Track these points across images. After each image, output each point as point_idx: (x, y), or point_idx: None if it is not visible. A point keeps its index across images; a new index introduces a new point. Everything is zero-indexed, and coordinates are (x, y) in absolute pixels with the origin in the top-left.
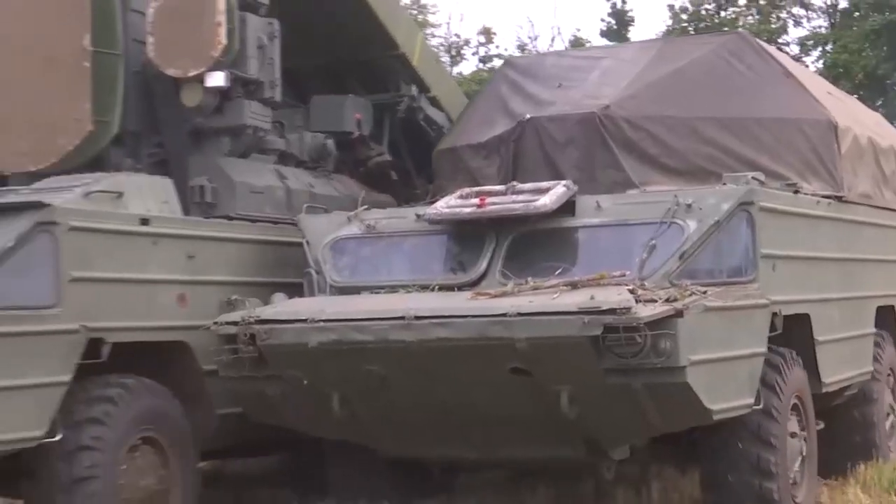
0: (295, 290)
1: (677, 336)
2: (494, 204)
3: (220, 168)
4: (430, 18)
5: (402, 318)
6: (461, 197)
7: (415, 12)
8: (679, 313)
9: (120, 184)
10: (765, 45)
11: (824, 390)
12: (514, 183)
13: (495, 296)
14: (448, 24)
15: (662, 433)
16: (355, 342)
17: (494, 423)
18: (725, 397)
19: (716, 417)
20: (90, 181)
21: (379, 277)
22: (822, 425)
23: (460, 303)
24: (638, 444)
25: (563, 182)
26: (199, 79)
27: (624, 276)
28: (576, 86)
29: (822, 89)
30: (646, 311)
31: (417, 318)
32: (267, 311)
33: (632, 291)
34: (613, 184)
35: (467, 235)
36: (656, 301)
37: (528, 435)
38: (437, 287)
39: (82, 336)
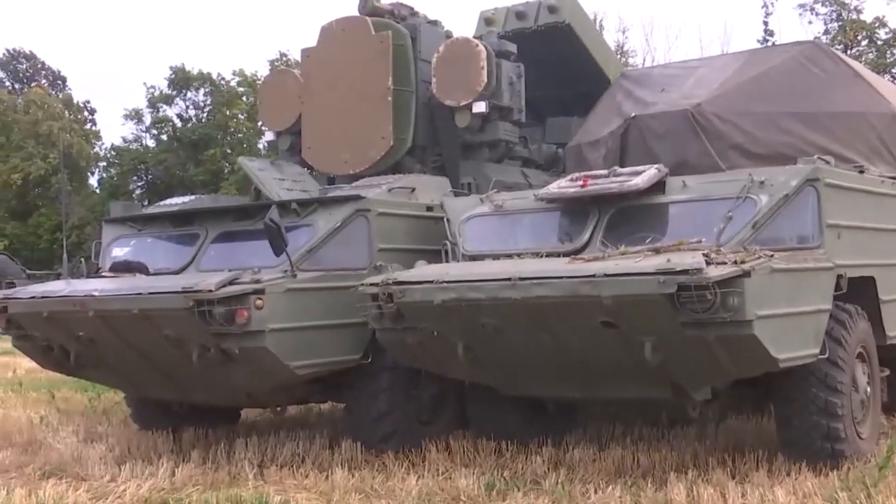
0: None
1: (744, 293)
2: (596, 184)
3: (482, 170)
4: (630, 61)
5: (509, 279)
6: (570, 180)
7: (619, 56)
8: (746, 273)
9: (412, 182)
10: (837, 52)
11: (888, 342)
12: (616, 167)
13: (588, 260)
14: (643, 64)
15: (738, 378)
16: (471, 299)
17: (592, 367)
18: (792, 347)
19: (782, 365)
20: (392, 181)
21: (502, 247)
22: (887, 372)
23: (559, 266)
24: (718, 387)
25: (656, 165)
26: (468, 107)
27: (700, 242)
28: (675, 90)
29: (888, 89)
30: (715, 272)
31: (521, 279)
32: (402, 275)
33: (705, 255)
34: (703, 168)
35: (574, 211)
36: (726, 263)
37: (620, 378)
38: (545, 254)
39: None
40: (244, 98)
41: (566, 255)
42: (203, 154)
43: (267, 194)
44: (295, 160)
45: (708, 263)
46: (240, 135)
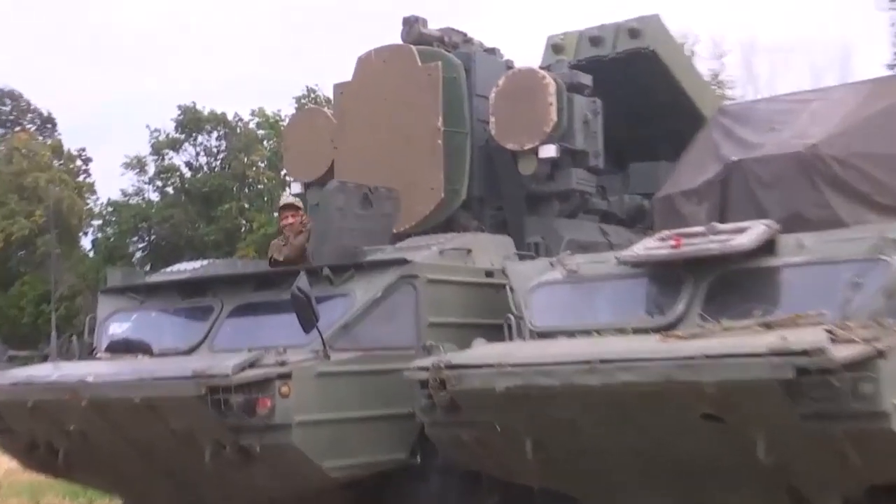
0: None
1: (879, 379)
2: (691, 245)
3: (552, 227)
4: (728, 93)
5: (588, 361)
6: (660, 239)
7: (715, 87)
8: (881, 354)
9: (468, 242)
10: None
11: None
12: (715, 224)
13: (685, 338)
14: (743, 97)
15: (874, 484)
16: (541, 387)
17: (689, 470)
18: None
19: None
20: (443, 241)
21: (577, 322)
22: None
23: (648, 346)
24: (850, 496)
25: (764, 221)
26: (534, 151)
27: (822, 315)
28: (785, 127)
29: None
30: (842, 353)
31: (603, 361)
32: (457, 357)
33: (828, 331)
34: (821, 223)
35: (665, 278)
36: (856, 341)
37: (725, 483)
38: (631, 331)
39: None
40: (265, 143)
41: (657, 331)
42: (216, 209)
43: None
44: None
45: (833, 342)
46: (260, 186)
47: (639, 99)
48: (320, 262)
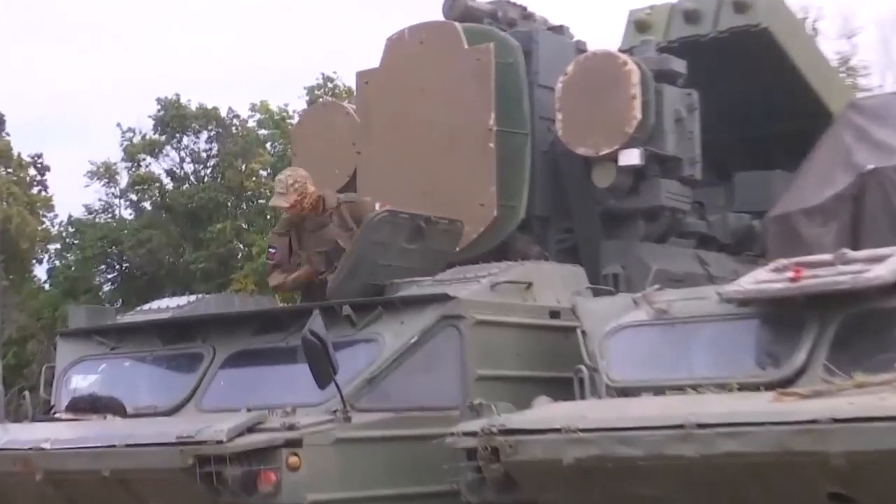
0: None
1: None
2: (815, 277)
3: (635, 254)
4: (861, 81)
5: (682, 426)
6: (774, 270)
7: (845, 75)
8: None
9: (528, 274)
10: None
11: None
12: (845, 250)
13: (805, 396)
14: (881, 87)
15: None
16: (621, 458)
17: None
18: None
19: None
20: (497, 271)
21: (667, 375)
22: None
23: (759, 406)
24: None
25: None
26: (612, 157)
27: None
28: None
29: None
30: None
31: (700, 426)
32: (513, 420)
33: None
34: None
35: (782, 319)
36: None
37: None
38: (737, 387)
39: None
40: (268, 145)
41: (770, 387)
42: (206, 231)
43: None
44: None
45: None
46: (261, 201)
47: (746, 90)
48: (341, 298)
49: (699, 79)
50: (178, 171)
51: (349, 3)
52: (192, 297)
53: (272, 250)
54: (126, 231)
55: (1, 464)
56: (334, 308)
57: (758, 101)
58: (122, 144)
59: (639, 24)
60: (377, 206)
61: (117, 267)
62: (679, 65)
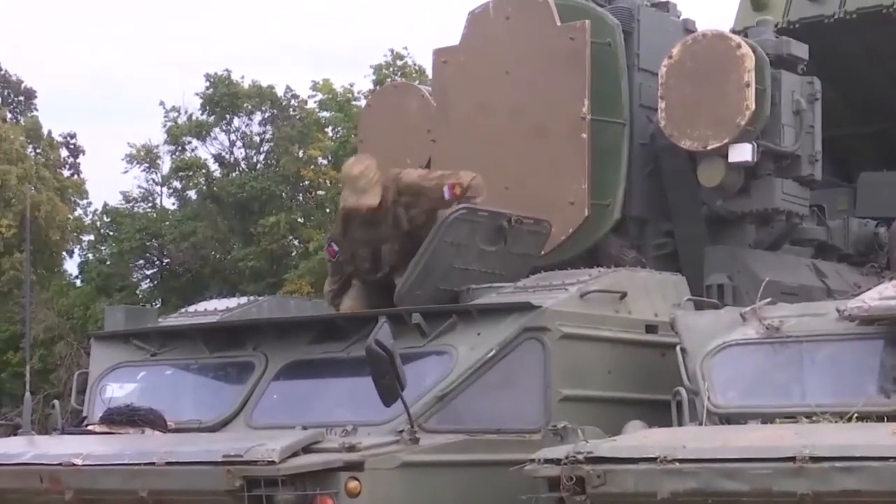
0: None
1: None
2: None
3: (745, 262)
4: None
5: (793, 459)
6: None
7: None
8: None
9: (622, 282)
10: None
11: None
12: None
13: None
14: None
15: None
16: (725, 492)
17: None
18: None
19: None
20: (587, 278)
21: (778, 401)
22: None
23: (881, 439)
24: None
25: None
26: (721, 152)
27: None
28: None
29: None
30: None
31: (814, 459)
32: (602, 446)
33: None
34: None
35: None
36: None
37: None
38: (855, 416)
39: None
40: (329, 130)
41: (893, 418)
42: (257, 224)
43: None
44: None
45: None
46: (320, 192)
47: (876, 79)
48: (410, 305)
49: (823, 65)
50: (227, 156)
51: None
52: (243, 300)
53: (333, 247)
54: (167, 223)
55: (26, 480)
56: (403, 316)
57: (889, 93)
58: (164, 125)
59: (755, 2)
60: (446, 190)
61: (157, 262)
62: (800, 49)
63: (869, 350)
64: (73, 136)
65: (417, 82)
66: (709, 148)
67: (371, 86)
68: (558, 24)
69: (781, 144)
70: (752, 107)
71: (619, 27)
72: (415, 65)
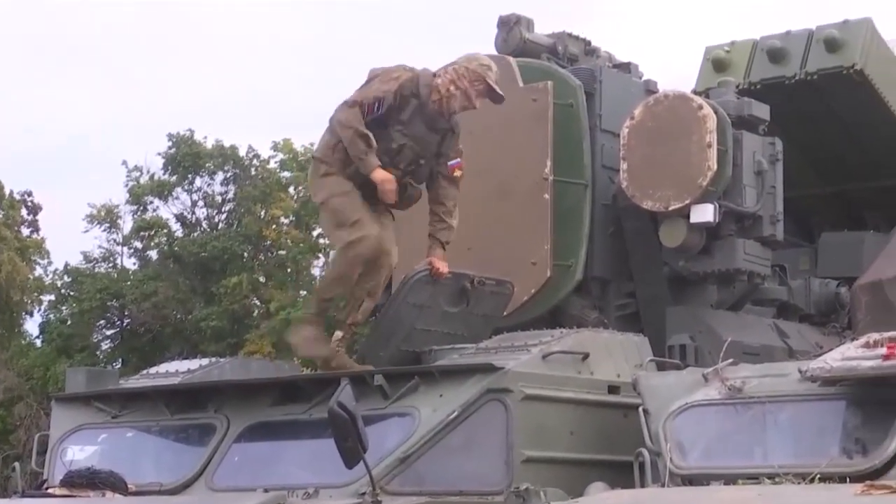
0: None
1: None
2: None
3: (706, 323)
4: None
5: None
6: (864, 345)
7: None
8: None
9: (584, 343)
10: None
11: None
12: None
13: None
14: None
15: None
16: None
17: None
18: None
19: None
20: (549, 339)
21: (740, 462)
22: None
23: (844, 500)
24: None
25: None
26: (683, 213)
27: None
28: None
29: None
30: None
31: None
32: None
33: None
34: None
35: (872, 401)
36: None
37: None
38: (817, 477)
39: None
40: (292, 189)
41: (857, 479)
42: (219, 284)
43: None
44: None
45: None
46: (282, 252)
47: (837, 141)
48: (373, 366)
49: (784, 126)
50: (189, 216)
51: (385, 31)
52: (204, 361)
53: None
54: (129, 282)
55: None
56: (365, 377)
57: (849, 154)
58: (126, 185)
59: (716, 63)
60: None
61: (118, 323)
62: (761, 110)
63: (831, 411)
64: (29, 193)
65: None
66: (670, 208)
67: None
68: (521, 85)
69: (743, 205)
70: (714, 167)
71: (581, 88)
72: None
